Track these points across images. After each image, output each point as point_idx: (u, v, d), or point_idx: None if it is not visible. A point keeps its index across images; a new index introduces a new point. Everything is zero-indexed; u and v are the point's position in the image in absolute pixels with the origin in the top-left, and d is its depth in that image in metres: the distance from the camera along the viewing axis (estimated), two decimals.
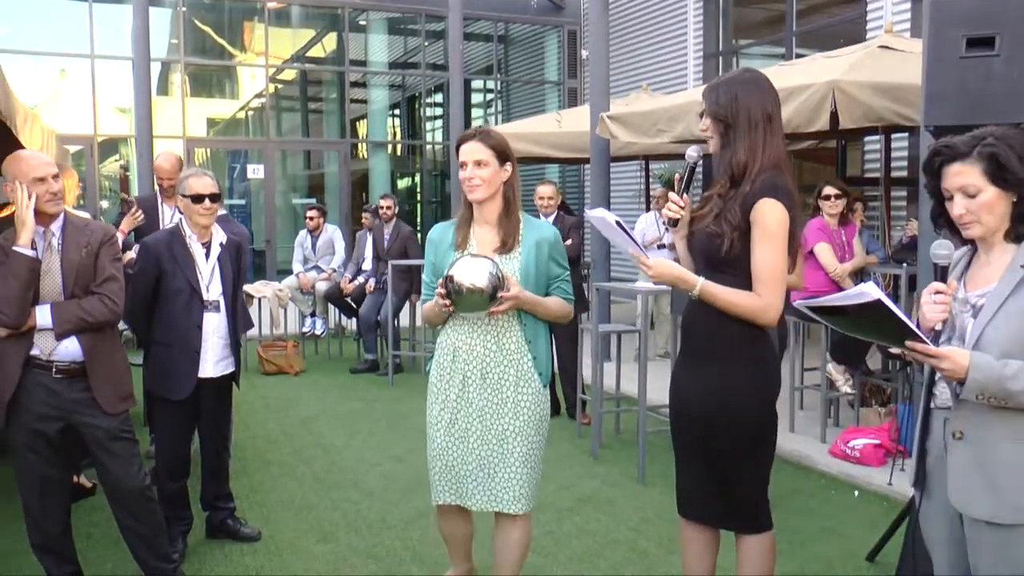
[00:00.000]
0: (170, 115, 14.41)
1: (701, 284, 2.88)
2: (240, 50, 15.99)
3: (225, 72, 16.24)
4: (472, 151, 3.28)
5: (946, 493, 2.35)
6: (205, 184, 4.24)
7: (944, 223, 2.44)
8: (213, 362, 4.28)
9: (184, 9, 14.60)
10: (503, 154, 3.31)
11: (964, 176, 2.30)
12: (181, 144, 14.31)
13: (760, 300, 2.83)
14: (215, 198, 4.25)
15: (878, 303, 2.11)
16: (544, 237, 3.37)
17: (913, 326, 2.19)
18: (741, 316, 2.86)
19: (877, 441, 5.65)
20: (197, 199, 4.21)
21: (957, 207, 2.33)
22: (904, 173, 9.56)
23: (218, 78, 16.29)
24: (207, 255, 4.27)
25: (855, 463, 5.61)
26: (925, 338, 2.20)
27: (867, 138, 9.84)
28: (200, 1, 14.93)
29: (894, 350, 2.58)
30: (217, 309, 4.26)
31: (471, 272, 3.14)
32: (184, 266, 4.18)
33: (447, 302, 3.16)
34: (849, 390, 6.54)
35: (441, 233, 3.47)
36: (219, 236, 4.35)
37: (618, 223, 2.97)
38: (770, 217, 2.82)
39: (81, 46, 13.86)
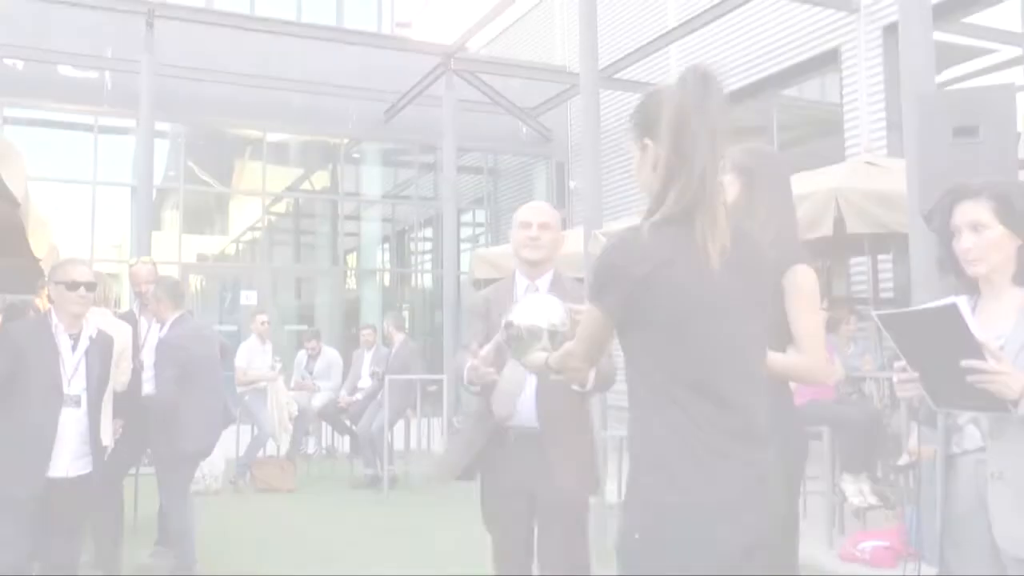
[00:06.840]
0: (165, 243, 14.52)
1: None
2: (236, 180, 16.36)
3: (221, 201, 16.55)
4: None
5: (981, 543, 2.32)
6: (81, 271, 4.15)
7: (950, 266, 2.50)
8: (69, 460, 4.04)
9: (183, 140, 15.01)
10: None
11: (974, 212, 2.40)
12: (176, 270, 14.29)
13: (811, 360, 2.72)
14: (91, 287, 4.14)
15: (954, 307, 2.17)
16: None
17: (977, 341, 2.18)
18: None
19: (887, 544, 5.56)
20: (72, 286, 4.09)
21: (964, 241, 2.41)
22: (891, 295, 9.62)
23: (214, 206, 16.56)
24: (74, 347, 4.11)
25: (865, 564, 5.51)
26: (986, 356, 2.18)
27: (853, 259, 10.02)
28: (199, 132, 15.31)
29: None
30: (77, 404, 4.06)
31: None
32: (45, 356, 4.02)
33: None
34: (860, 504, 6.42)
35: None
36: (89, 329, 4.20)
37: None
38: (813, 284, 2.75)
39: (83, 172, 14.04)
